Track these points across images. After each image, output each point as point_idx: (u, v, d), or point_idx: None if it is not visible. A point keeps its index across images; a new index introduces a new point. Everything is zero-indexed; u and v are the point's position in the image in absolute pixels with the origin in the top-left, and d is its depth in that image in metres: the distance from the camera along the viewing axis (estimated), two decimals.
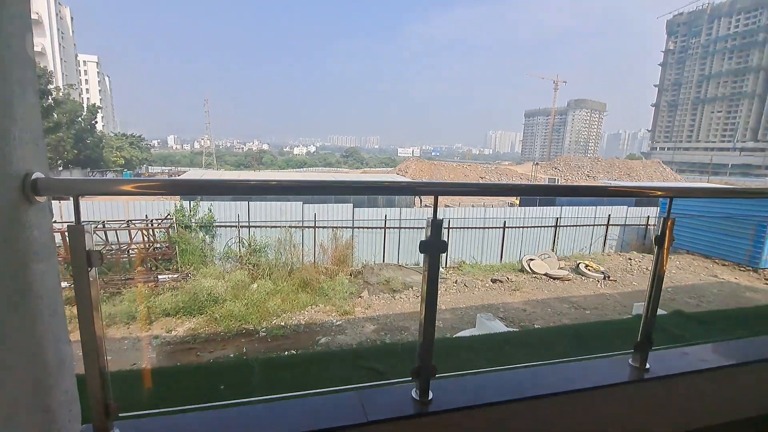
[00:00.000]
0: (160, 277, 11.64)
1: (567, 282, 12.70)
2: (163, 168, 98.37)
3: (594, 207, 17.46)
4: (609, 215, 17.41)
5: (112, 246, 12.58)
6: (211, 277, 11.42)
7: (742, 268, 13.30)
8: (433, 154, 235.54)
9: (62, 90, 46.01)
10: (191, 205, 13.29)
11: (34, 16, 70.42)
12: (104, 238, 12.45)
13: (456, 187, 1.44)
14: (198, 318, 10.02)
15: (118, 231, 12.30)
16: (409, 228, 15.15)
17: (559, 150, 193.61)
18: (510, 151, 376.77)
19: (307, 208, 14.28)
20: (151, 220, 12.75)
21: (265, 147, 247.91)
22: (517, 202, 37.99)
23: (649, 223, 17.92)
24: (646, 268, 13.58)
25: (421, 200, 34.67)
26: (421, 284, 1.18)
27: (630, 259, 14.88)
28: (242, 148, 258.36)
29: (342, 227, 14.44)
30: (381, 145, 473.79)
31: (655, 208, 18.12)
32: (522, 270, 13.93)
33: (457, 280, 12.46)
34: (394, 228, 15.02)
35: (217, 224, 13.50)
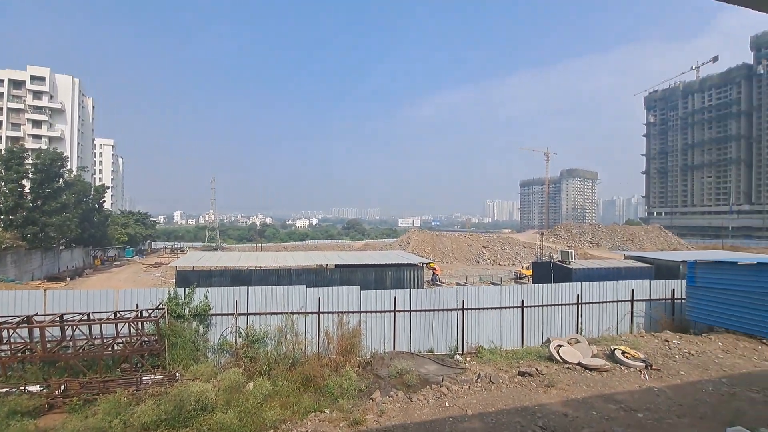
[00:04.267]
0: (144, 378, 10.25)
1: (605, 373, 11.22)
2: (166, 243, 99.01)
3: (615, 282, 16.46)
4: (632, 290, 16.34)
5: (95, 340, 11.35)
6: (202, 378, 10.05)
7: None
8: (433, 224, 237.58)
9: (74, 173, 47.26)
10: (186, 293, 12.29)
11: (57, 105, 75.35)
12: (87, 332, 11.26)
13: None
14: None
15: (102, 324, 11.15)
16: (421, 311, 13.98)
17: (557, 217, 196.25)
18: (509, 219, 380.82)
19: (310, 291, 13.26)
20: (141, 311, 11.66)
21: (268, 221, 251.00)
22: (528, 273, 36.70)
23: (675, 296, 16.75)
24: (689, 353, 12.17)
25: (434, 279, 33.41)
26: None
27: (666, 340, 13.48)
28: (246, 221, 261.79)
29: (350, 311, 13.30)
30: (381, 216, 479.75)
31: (679, 280, 17.08)
32: (550, 358, 12.49)
33: (480, 374, 11.02)
34: (404, 311, 13.86)
35: (213, 313, 12.36)
